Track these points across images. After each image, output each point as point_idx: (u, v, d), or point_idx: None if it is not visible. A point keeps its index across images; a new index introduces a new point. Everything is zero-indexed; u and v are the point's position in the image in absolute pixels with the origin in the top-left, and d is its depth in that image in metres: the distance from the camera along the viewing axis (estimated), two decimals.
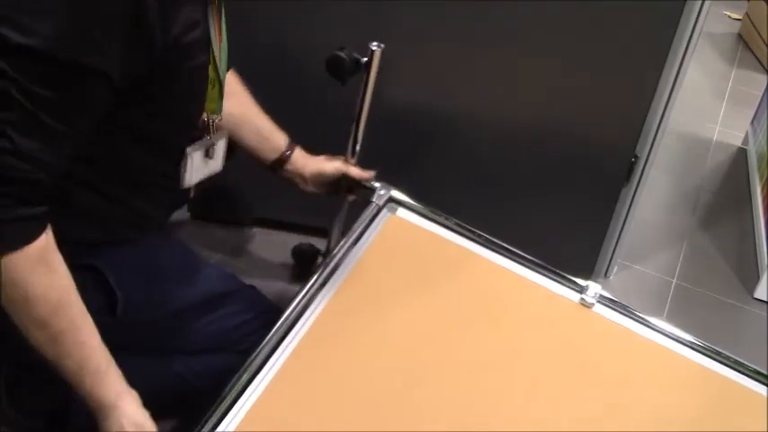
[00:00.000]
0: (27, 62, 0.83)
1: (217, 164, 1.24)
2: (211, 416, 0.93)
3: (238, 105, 1.32)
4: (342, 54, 1.22)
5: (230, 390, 0.96)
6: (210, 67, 1.10)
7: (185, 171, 1.17)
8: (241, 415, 0.94)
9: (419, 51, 1.60)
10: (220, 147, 1.22)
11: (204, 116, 1.16)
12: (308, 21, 1.64)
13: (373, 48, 1.24)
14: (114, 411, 0.99)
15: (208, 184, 1.25)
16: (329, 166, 1.36)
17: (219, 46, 1.12)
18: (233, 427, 0.93)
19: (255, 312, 1.27)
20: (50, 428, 1.21)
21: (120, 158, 1.07)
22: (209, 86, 1.13)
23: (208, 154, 1.20)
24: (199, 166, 1.19)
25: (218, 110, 1.18)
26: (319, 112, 1.52)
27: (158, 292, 1.17)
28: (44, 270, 0.91)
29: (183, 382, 1.27)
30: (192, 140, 1.16)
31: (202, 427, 0.92)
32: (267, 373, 0.99)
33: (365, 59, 1.25)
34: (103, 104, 0.94)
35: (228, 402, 0.95)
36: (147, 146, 1.07)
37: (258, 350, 1.01)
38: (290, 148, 1.36)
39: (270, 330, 1.07)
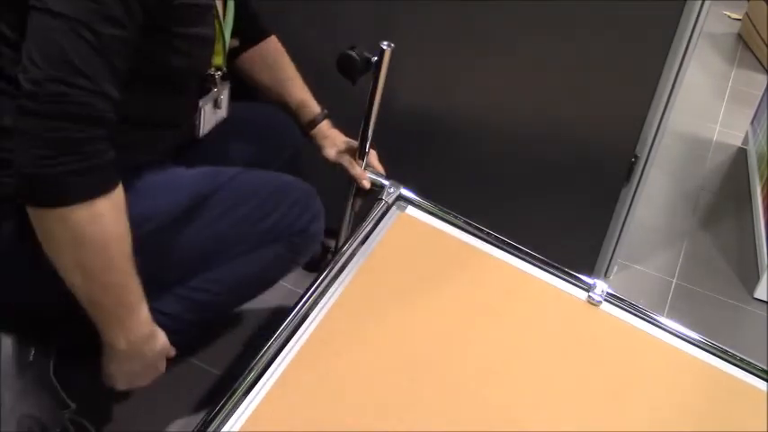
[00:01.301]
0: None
1: (222, 112, 1.34)
2: (218, 415, 0.93)
3: (289, 70, 1.45)
4: (353, 53, 1.22)
5: (237, 388, 0.96)
6: (216, 22, 1.17)
7: (199, 123, 1.28)
8: (248, 414, 0.94)
9: (419, 51, 1.61)
10: (226, 96, 1.32)
11: (212, 70, 1.24)
12: (313, 20, 1.65)
13: (384, 47, 1.23)
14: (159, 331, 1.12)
15: None
16: (334, 152, 1.41)
17: (224, 4, 1.21)
18: (239, 426, 0.93)
19: (255, 203, 1.24)
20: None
21: None
22: (215, 42, 1.20)
23: (216, 104, 1.30)
24: (209, 117, 1.30)
25: (223, 65, 1.27)
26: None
27: (141, 210, 1.12)
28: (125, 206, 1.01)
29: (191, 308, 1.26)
30: (201, 93, 1.25)
31: (209, 425, 0.92)
32: (274, 372, 0.99)
33: (375, 59, 1.24)
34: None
35: (235, 401, 0.95)
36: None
37: (265, 349, 1.01)
38: (323, 116, 1.44)
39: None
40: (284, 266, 1.33)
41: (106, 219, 0.96)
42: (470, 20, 1.56)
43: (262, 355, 1.01)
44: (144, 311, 1.08)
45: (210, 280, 1.24)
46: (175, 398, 1.41)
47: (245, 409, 0.95)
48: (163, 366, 1.17)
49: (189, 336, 1.27)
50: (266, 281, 1.34)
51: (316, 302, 1.10)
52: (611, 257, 1.84)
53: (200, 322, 1.29)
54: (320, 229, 1.31)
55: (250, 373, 0.98)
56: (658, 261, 2.09)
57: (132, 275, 1.03)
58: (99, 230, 0.96)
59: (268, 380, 0.98)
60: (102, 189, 0.96)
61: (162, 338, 1.14)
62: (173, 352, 1.17)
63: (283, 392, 0.98)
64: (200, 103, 1.26)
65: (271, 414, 0.95)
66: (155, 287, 1.12)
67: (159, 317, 1.14)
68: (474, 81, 1.64)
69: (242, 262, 1.25)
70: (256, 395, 0.97)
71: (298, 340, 1.04)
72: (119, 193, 0.99)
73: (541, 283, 1.23)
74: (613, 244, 1.81)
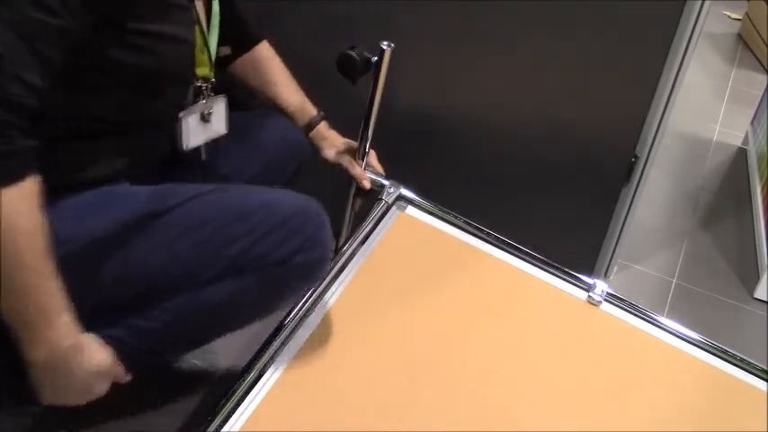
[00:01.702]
0: None
1: (219, 127, 1.29)
2: (217, 415, 0.93)
3: (283, 74, 1.42)
4: (353, 53, 1.21)
5: (237, 389, 0.96)
6: (198, 31, 1.14)
7: (182, 134, 1.21)
8: (248, 414, 0.94)
9: (419, 51, 1.61)
10: (219, 110, 1.27)
11: (199, 82, 1.20)
12: (312, 20, 1.65)
13: (384, 47, 1.23)
14: (93, 340, 1.02)
15: None
16: (333, 153, 1.39)
17: (206, 11, 1.18)
18: (239, 426, 0.93)
19: (216, 226, 1.09)
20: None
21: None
22: (199, 52, 1.17)
23: (204, 118, 1.24)
24: (196, 130, 1.24)
25: (210, 76, 1.23)
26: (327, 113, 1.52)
27: (65, 230, 1.03)
28: (41, 202, 0.92)
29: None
30: (183, 106, 1.20)
31: (208, 426, 0.92)
32: (274, 372, 0.99)
33: (375, 59, 1.24)
34: (77, 35, 0.96)
35: (235, 401, 0.95)
36: (107, 80, 1.06)
37: (266, 347, 1.01)
38: (320, 118, 1.42)
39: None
40: (258, 303, 1.15)
41: (14, 211, 0.88)
42: (470, 20, 1.56)
43: (262, 355, 1.01)
44: (64, 320, 0.96)
45: (159, 308, 1.11)
46: (175, 398, 1.41)
47: (245, 409, 0.95)
48: (100, 388, 1.05)
49: (142, 364, 1.13)
50: (233, 318, 1.17)
51: (315, 302, 1.10)
52: (611, 257, 1.84)
53: (150, 352, 1.15)
54: (313, 259, 1.11)
55: (250, 373, 0.98)
56: (658, 261, 2.09)
57: (47, 278, 0.93)
58: (6, 224, 0.88)
59: (268, 380, 0.98)
60: (9, 178, 0.88)
61: (97, 357, 1.02)
62: (126, 378, 1.08)
63: (283, 392, 0.98)
64: (181, 114, 1.19)
65: (271, 414, 0.95)
66: (88, 308, 1.02)
67: (105, 339, 1.05)
68: (474, 81, 1.64)
69: (197, 294, 1.10)
70: (256, 395, 0.97)
71: (298, 340, 1.04)
72: (31, 185, 0.90)
73: (541, 283, 1.23)
74: (613, 244, 1.81)
